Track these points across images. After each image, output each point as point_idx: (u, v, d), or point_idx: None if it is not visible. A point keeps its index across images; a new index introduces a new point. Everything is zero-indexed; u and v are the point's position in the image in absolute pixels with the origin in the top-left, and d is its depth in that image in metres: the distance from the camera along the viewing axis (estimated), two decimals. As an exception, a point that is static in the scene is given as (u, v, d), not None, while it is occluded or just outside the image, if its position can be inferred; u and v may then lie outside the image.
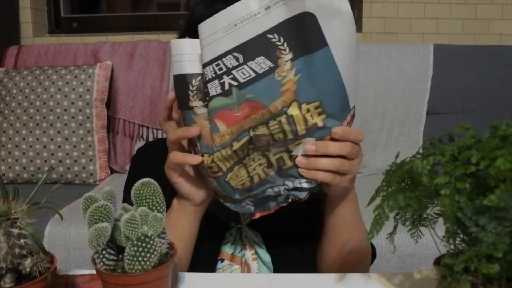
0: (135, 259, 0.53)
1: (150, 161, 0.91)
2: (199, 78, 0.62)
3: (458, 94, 2.02)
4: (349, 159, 0.64)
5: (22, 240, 0.54)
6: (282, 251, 0.79)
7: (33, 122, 1.93)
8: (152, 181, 0.59)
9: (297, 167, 0.64)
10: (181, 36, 0.86)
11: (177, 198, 0.74)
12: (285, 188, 0.67)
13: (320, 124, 0.61)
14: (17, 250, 0.53)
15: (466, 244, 0.48)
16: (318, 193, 0.70)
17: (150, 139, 2.08)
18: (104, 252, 0.55)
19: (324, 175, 0.63)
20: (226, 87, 0.60)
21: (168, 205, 0.70)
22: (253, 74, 0.59)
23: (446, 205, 0.45)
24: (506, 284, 0.46)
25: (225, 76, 0.60)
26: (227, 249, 0.80)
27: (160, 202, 0.59)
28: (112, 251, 0.56)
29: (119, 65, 2.09)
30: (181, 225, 0.73)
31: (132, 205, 0.60)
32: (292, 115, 0.60)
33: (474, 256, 0.45)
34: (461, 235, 0.48)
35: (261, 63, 0.59)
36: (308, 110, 0.60)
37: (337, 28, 0.59)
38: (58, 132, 1.92)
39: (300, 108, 0.60)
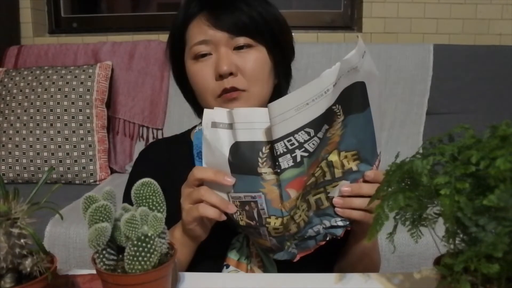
0: (135, 259, 0.53)
1: (153, 162, 0.91)
2: (268, 146, 0.65)
3: (458, 94, 2.02)
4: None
5: (22, 240, 0.54)
6: (288, 262, 0.79)
7: (33, 122, 1.93)
8: (152, 181, 0.59)
9: (333, 206, 0.71)
10: (172, 33, 0.88)
11: (181, 233, 0.75)
12: (323, 227, 0.73)
13: (354, 168, 0.69)
14: (17, 250, 0.53)
15: (466, 244, 0.48)
16: None
17: (150, 139, 2.08)
18: (104, 252, 0.55)
19: (357, 214, 0.70)
20: (298, 159, 0.64)
21: (169, 206, 0.70)
22: (318, 141, 0.64)
23: (446, 205, 0.45)
24: (506, 284, 0.46)
25: (297, 150, 0.63)
26: (233, 255, 0.80)
27: (160, 202, 0.59)
28: (112, 251, 0.56)
29: (119, 65, 2.09)
30: (180, 253, 0.73)
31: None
32: (331, 161, 0.67)
33: (474, 256, 0.45)
34: (461, 235, 0.48)
35: (323, 130, 0.64)
36: (345, 157, 0.68)
37: (373, 89, 0.67)
38: (58, 132, 1.92)
39: (339, 155, 0.67)
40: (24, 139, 1.92)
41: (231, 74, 0.79)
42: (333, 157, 0.67)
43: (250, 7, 0.80)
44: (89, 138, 1.94)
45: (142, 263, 0.53)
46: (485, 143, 0.46)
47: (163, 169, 0.88)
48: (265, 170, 0.65)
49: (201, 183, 0.70)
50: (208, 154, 0.68)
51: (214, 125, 0.67)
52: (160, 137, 2.06)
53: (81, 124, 1.93)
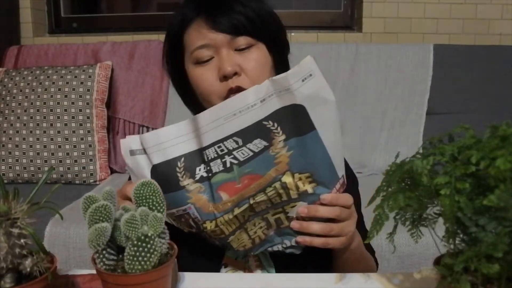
0: (135, 259, 0.53)
1: None
2: (182, 159, 0.70)
3: (458, 94, 2.02)
4: (340, 222, 0.71)
5: (22, 240, 0.54)
6: (286, 259, 0.79)
7: (33, 122, 1.93)
8: (152, 181, 0.59)
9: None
10: (168, 39, 0.87)
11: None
12: (282, 247, 0.74)
13: (310, 191, 0.69)
14: (17, 250, 0.53)
15: (466, 244, 0.48)
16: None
17: (150, 139, 2.08)
18: (104, 252, 0.55)
19: (318, 241, 0.71)
20: (228, 165, 0.68)
21: None
22: (251, 153, 0.68)
23: (446, 205, 0.45)
24: (506, 284, 0.46)
25: (226, 156, 0.68)
26: (230, 254, 0.80)
27: (160, 202, 0.59)
28: (112, 251, 0.56)
29: (119, 65, 2.09)
30: None
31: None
32: (285, 182, 0.68)
33: (474, 256, 0.45)
34: (461, 235, 0.48)
35: (257, 144, 0.67)
36: (300, 179, 0.68)
37: (323, 114, 0.67)
38: (58, 132, 1.92)
39: (293, 176, 0.68)
40: (24, 139, 1.92)
41: (235, 74, 0.79)
42: (287, 179, 0.68)
43: (246, 7, 0.81)
44: (89, 138, 1.94)
45: (142, 263, 0.53)
46: (485, 143, 0.46)
47: None
48: (186, 182, 0.69)
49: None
50: (135, 180, 0.72)
51: (132, 152, 0.71)
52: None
53: (81, 124, 1.93)
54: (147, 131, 2.08)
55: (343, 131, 2.04)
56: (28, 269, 0.54)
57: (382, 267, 1.35)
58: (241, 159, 0.68)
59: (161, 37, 2.18)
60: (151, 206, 0.58)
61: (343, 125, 2.04)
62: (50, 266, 0.55)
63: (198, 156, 0.69)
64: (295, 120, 0.67)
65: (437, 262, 0.54)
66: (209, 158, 0.69)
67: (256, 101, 0.67)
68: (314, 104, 0.67)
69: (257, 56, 0.82)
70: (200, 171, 0.70)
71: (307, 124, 0.67)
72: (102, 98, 1.98)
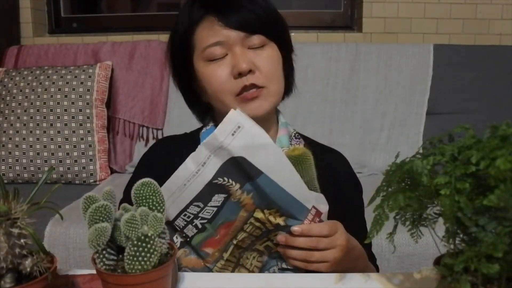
0: (135, 259, 0.53)
1: (161, 158, 0.91)
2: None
3: (458, 94, 2.02)
4: (320, 250, 0.72)
5: (22, 240, 0.54)
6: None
7: (33, 122, 1.93)
8: (152, 181, 0.59)
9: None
10: (174, 38, 0.87)
11: None
12: (278, 268, 0.78)
13: (282, 223, 0.72)
14: (17, 250, 0.53)
15: (466, 244, 0.48)
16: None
17: (150, 139, 2.08)
18: (104, 252, 0.55)
19: (299, 263, 0.73)
20: (200, 226, 0.73)
21: None
22: (215, 209, 0.72)
23: (446, 205, 0.45)
24: (506, 284, 0.46)
25: (195, 220, 0.73)
26: None
27: (160, 202, 0.59)
28: (112, 251, 0.56)
29: (119, 65, 2.09)
30: None
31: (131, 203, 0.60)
32: (257, 217, 0.72)
33: (474, 256, 0.45)
34: (461, 235, 0.48)
35: (217, 199, 0.71)
36: (270, 213, 0.72)
37: (266, 158, 0.69)
38: (58, 132, 1.92)
39: (263, 212, 0.72)
40: (24, 139, 1.92)
41: (250, 71, 0.80)
42: (259, 214, 0.72)
43: (253, 4, 0.81)
44: (89, 138, 1.94)
45: (142, 263, 0.53)
46: (485, 143, 0.46)
47: (172, 165, 0.88)
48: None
49: None
50: None
51: None
52: (160, 137, 2.06)
53: (81, 124, 1.93)
54: (147, 131, 2.09)
55: (343, 131, 2.05)
56: (28, 269, 0.54)
57: (382, 267, 1.35)
58: (209, 217, 0.72)
59: (161, 37, 2.19)
60: (151, 206, 0.58)
61: (342, 126, 2.04)
62: (50, 266, 0.55)
63: (170, 228, 0.72)
64: (240, 170, 0.69)
65: (437, 262, 0.54)
66: (181, 227, 0.74)
67: (197, 167, 0.70)
68: (252, 152, 0.69)
69: (270, 54, 0.82)
70: (178, 239, 0.75)
71: (253, 170, 0.69)
72: (102, 98, 1.98)
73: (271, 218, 0.72)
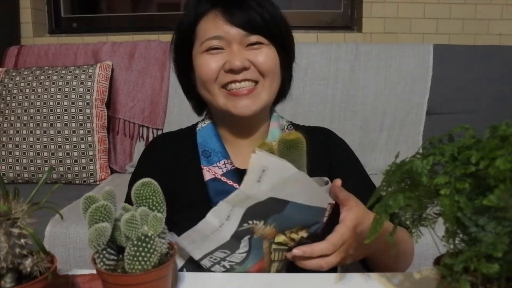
0: (135, 259, 0.53)
1: (159, 155, 0.92)
2: (184, 269, 0.75)
3: (458, 94, 2.02)
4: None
5: (22, 240, 0.54)
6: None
7: (33, 122, 1.93)
8: (152, 181, 0.59)
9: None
10: (180, 28, 0.88)
11: None
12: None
13: (305, 235, 0.71)
14: (17, 250, 0.53)
15: (466, 244, 0.48)
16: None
17: (150, 139, 2.08)
18: (104, 252, 0.55)
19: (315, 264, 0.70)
20: (228, 267, 0.72)
21: (174, 198, 0.69)
22: (245, 254, 0.71)
23: (446, 205, 0.45)
24: (505, 284, 0.46)
25: (222, 261, 0.72)
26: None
27: (160, 202, 0.59)
28: (112, 251, 0.56)
29: (119, 65, 2.09)
30: None
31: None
32: (279, 241, 0.71)
33: (473, 256, 0.45)
34: (461, 235, 0.48)
35: (244, 244, 0.71)
36: (291, 232, 0.71)
37: (292, 187, 0.68)
38: (58, 132, 1.92)
39: (284, 234, 0.71)
40: (24, 139, 1.92)
41: (244, 68, 0.81)
42: (280, 238, 0.71)
43: (261, 7, 0.83)
44: (89, 138, 1.94)
45: (142, 263, 0.53)
46: (485, 143, 0.46)
47: (170, 162, 0.89)
48: None
49: None
50: None
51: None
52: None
53: (81, 124, 1.93)
54: (147, 131, 2.09)
55: (343, 131, 2.04)
56: (28, 269, 0.54)
57: (382, 267, 1.35)
58: (239, 261, 0.72)
59: (161, 37, 2.19)
60: (151, 206, 0.58)
61: (342, 126, 2.04)
62: (50, 266, 0.55)
63: (197, 265, 0.72)
64: (266, 208, 0.68)
65: (437, 262, 0.54)
66: (207, 266, 0.73)
67: (220, 221, 0.69)
68: (279, 187, 0.67)
69: (267, 53, 0.84)
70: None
71: (280, 203, 0.68)
72: (102, 98, 1.98)
73: (294, 236, 0.71)
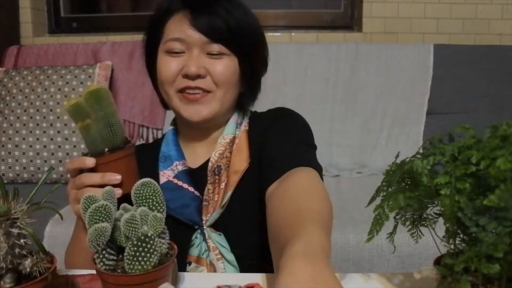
0: (135, 259, 0.53)
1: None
2: None
3: (458, 94, 2.02)
4: None
5: (22, 240, 0.54)
6: (245, 247, 0.80)
7: (33, 122, 1.92)
8: (152, 181, 0.60)
9: None
10: (150, 24, 0.90)
11: (82, 229, 0.79)
12: None
13: None
14: (17, 250, 0.53)
15: (466, 244, 0.48)
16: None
17: (150, 139, 2.08)
18: (104, 252, 0.55)
19: None
20: None
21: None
22: None
23: (446, 205, 0.45)
24: (506, 284, 0.46)
25: None
26: (193, 252, 0.81)
27: (160, 202, 0.59)
28: (112, 251, 0.56)
29: (119, 65, 2.09)
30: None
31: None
32: None
33: (474, 256, 0.44)
34: (461, 235, 0.48)
35: None
36: None
37: None
38: (58, 132, 1.92)
39: None
40: (24, 139, 1.92)
41: (199, 76, 0.81)
42: None
43: (229, 14, 0.82)
44: (89, 138, 1.94)
45: (142, 263, 0.53)
46: (486, 143, 0.46)
47: (147, 169, 0.88)
48: None
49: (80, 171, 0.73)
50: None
51: None
52: (160, 136, 2.06)
53: (81, 124, 1.93)
54: (147, 131, 2.09)
55: (343, 131, 2.04)
56: (28, 269, 0.54)
57: (382, 267, 1.35)
58: None
59: (161, 37, 2.18)
60: (151, 206, 0.58)
61: (342, 126, 2.04)
62: (50, 266, 0.55)
63: None
64: None
65: (437, 262, 0.54)
66: None
67: None
68: None
69: (226, 64, 0.83)
70: None
71: None
72: (102, 98, 1.98)
73: None
